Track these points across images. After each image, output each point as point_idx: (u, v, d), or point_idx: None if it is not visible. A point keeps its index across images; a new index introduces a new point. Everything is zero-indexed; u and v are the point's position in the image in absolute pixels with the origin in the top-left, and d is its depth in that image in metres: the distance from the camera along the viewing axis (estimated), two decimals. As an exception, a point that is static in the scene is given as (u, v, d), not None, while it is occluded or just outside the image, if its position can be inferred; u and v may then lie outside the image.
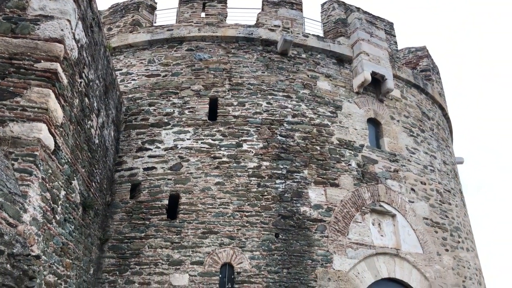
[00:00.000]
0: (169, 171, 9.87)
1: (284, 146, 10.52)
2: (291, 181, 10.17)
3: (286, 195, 9.95)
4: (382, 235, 10.73)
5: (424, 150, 12.92)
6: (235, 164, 10.03)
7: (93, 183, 8.18)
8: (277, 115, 10.85)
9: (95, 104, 8.07)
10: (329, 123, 11.30)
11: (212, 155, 10.06)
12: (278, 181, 10.06)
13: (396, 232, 10.96)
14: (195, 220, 9.32)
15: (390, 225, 11.00)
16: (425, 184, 12.23)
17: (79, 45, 6.70)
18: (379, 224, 10.85)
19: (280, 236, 9.49)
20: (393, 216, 11.10)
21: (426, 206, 11.88)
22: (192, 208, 9.45)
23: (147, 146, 10.22)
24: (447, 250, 11.68)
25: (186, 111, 10.61)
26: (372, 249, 10.28)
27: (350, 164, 10.97)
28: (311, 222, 9.86)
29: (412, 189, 11.80)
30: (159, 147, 10.17)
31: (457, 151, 15.78)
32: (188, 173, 9.83)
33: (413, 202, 11.62)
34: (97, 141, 8.33)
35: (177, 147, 10.14)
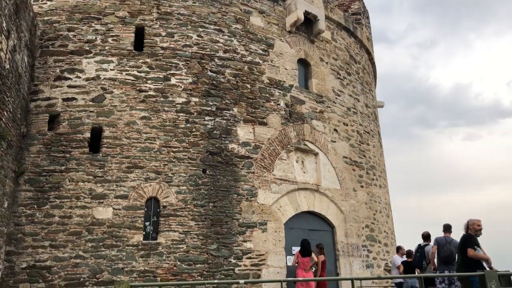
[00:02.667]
0: (91, 103, 9.33)
1: (214, 82, 10.33)
2: (220, 118, 10.13)
3: (215, 132, 9.94)
4: (304, 172, 11.28)
5: (349, 93, 13.44)
6: (162, 99, 9.71)
7: (5, 112, 7.51)
8: (207, 50, 10.52)
9: (4, 25, 7.21)
10: (261, 61, 11.22)
11: (137, 88, 9.63)
12: (207, 118, 9.97)
13: (317, 169, 11.57)
14: (120, 154, 9.05)
15: (312, 163, 11.57)
16: (347, 125, 12.86)
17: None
18: (302, 162, 11.35)
19: (208, 171, 9.59)
20: (316, 154, 11.65)
21: (346, 146, 12.59)
22: (116, 142, 9.13)
23: (66, 75, 9.48)
24: (362, 186, 12.64)
25: (110, 39, 9.89)
26: (294, 184, 10.81)
27: (279, 104, 11.14)
28: (238, 159, 10.03)
29: (335, 130, 12.37)
30: (79, 77, 9.49)
31: (378, 95, 16.63)
32: (111, 105, 9.37)
33: (335, 141, 12.23)
34: (7, 66, 7.56)
35: (100, 78, 9.53)
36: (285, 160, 10.87)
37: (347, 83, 13.52)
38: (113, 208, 8.68)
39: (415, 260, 9.39)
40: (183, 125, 9.68)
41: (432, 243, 8.72)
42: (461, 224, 7.33)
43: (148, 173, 9.10)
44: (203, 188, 9.42)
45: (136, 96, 9.55)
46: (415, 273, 9.44)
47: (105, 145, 9.06)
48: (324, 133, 11.99)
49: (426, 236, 9.26)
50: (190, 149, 9.56)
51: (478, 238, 7.11)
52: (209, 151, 9.72)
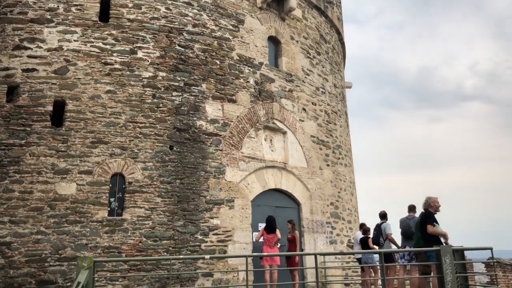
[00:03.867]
0: (53, 74, 8.96)
1: (182, 57, 10.12)
2: (188, 94, 9.98)
3: (182, 108, 9.80)
4: (272, 150, 11.36)
5: (318, 73, 13.51)
6: (128, 72, 9.45)
7: (-42, 82, 7.11)
8: (176, 23, 10.25)
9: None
10: (231, 37, 11.06)
11: (103, 61, 9.31)
12: (174, 93, 9.80)
13: (285, 148, 11.67)
14: (84, 129, 8.80)
15: (280, 141, 11.65)
16: (315, 104, 12.97)
17: None
18: (270, 140, 11.41)
19: (175, 148, 9.49)
20: (284, 133, 11.73)
21: (314, 125, 12.73)
22: (80, 116, 8.86)
23: (26, 44, 9.04)
24: (328, 165, 12.87)
25: (73, 9, 9.45)
26: (262, 162, 10.88)
27: (248, 81, 11.07)
28: (206, 136, 9.96)
29: (304, 109, 12.46)
30: (40, 47, 9.07)
31: (347, 76, 16.81)
32: (75, 78, 9.04)
33: (303, 121, 12.33)
34: (-40, 33, 7.11)
35: (63, 49, 9.14)
36: (254, 138, 10.89)
37: (317, 62, 13.56)
38: (77, 184, 8.49)
39: (374, 237, 9.75)
40: (150, 100, 9.48)
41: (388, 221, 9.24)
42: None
43: (113, 149, 8.91)
44: (170, 164, 9.33)
45: (101, 69, 9.25)
46: (369, 249, 9.81)
47: (68, 119, 8.78)
48: (293, 112, 12.05)
49: (382, 215, 9.66)
50: (157, 125, 9.40)
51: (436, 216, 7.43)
52: (176, 128, 9.59)
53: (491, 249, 7.53)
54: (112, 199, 8.78)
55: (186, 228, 9.15)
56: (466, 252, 8.06)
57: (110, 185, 8.80)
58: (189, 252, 9.02)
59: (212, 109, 10.20)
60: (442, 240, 7.12)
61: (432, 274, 7.06)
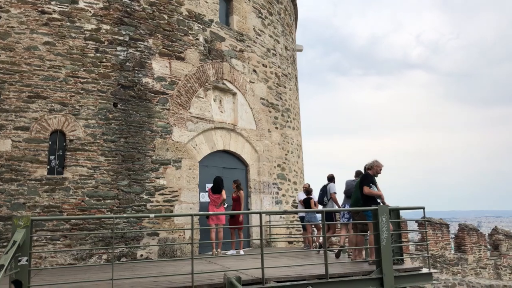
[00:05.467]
0: (-18, 21, 8.20)
1: (128, 10, 9.59)
2: (134, 49, 9.55)
3: (127, 64, 9.38)
4: (222, 111, 11.27)
5: (270, 34, 13.36)
6: (69, 23, 8.84)
7: None
8: (121, -27, 9.62)
9: None
10: (180, -8, 10.58)
11: (39, 9, 8.62)
12: (119, 48, 9.34)
13: (235, 109, 11.61)
14: (19, 82, 8.22)
15: (230, 103, 11.56)
16: (266, 66, 12.90)
17: None
18: (220, 101, 11.29)
19: (119, 106, 9.15)
20: (234, 94, 11.63)
21: (264, 88, 12.71)
22: (14, 69, 8.24)
23: (-51, -15, 8.15)
24: (276, 128, 13.01)
25: (5, -51, 8.58)
26: (211, 123, 10.78)
27: (197, 39, 10.75)
28: (153, 94, 9.67)
29: (254, 70, 12.36)
30: (-33, -10, 8.22)
31: (298, 39, 16.78)
32: (8, 26, 8.33)
33: (253, 82, 12.26)
34: None
35: (-7, -7, 8.35)
36: (203, 98, 10.71)
37: (268, 23, 13.38)
38: (12, 140, 8.01)
39: (319, 197, 10.12)
40: (92, 55, 8.98)
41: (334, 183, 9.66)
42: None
43: (53, 104, 8.44)
44: (114, 123, 9.01)
45: (37, 18, 8.58)
46: (310, 208, 10.21)
47: (1, 71, 8.15)
48: (243, 73, 11.93)
49: (330, 178, 10.00)
50: (100, 81, 8.97)
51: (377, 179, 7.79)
52: (121, 84, 9.21)
53: (423, 208, 8.07)
54: (52, 157, 8.40)
55: (131, 188, 8.99)
56: (401, 212, 8.59)
57: (50, 143, 8.39)
58: (134, 212, 8.92)
59: (159, 66, 9.86)
60: (379, 200, 7.51)
61: (369, 232, 7.47)
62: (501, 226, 22.56)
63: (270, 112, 12.80)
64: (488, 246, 18.84)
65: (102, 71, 9.02)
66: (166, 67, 9.99)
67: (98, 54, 9.04)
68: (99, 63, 9.01)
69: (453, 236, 18.24)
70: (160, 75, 9.83)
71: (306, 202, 10.42)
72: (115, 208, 8.71)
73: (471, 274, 17.30)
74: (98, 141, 8.76)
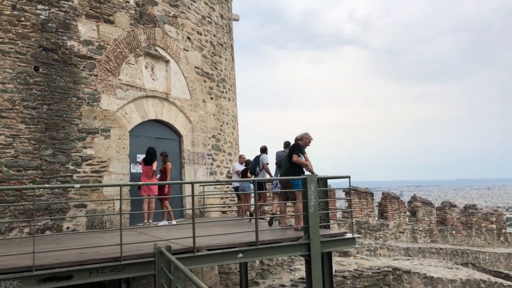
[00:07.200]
0: None
1: (49, -35, 8.79)
2: (57, 9, 8.84)
3: (50, 24, 8.68)
4: (154, 79, 10.89)
5: (205, 0, 12.99)
6: (-21, -25, 7.95)
7: None
8: None
9: None
10: (108, -51, 9.87)
11: None
12: (40, 6, 8.59)
13: (168, 78, 11.28)
14: None
15: (162, 70, 11.20)
16: (201, 34, 12.59)
17: None
18: (152, 68, 10.89)
19: (41, 70, 8.50)
20: (167, 61, 11.27)
21: (199, 56, 12.44)
22: None
23: None
24: (212, 98, 12.87)
25: None
26: (142, 91, 10.40)
27: (128, 1, 10.17)
28: (79, 59, 9.08)
29: (188, 38, 12.02)
30: None
31: (234, 9, 16.49)
32: None
33: (187, 50, 11.94)
34: None
35: None
36: (133, 64, 10.26)
37: (204, -11, 12.97)
38: None
39: (251, 168, 10.27)
40: (9, 12, 8.19)
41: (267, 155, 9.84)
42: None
43: (-38, 66, 7.64)
44: (35, 88, 8.38)
45: None
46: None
47: None
48: (177, 40, 11.55)
49: (263, 149, 10.17)
50: (18, 42, 8.24)
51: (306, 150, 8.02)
52: (42, 47, 8.53)
53: (349, 177, 8.48)
54: (-38, 124, 7.67)
55: (55, 158, 8.51)
56: (329, 181, 8.97)
57: (-41, 108, 7.64)
58: (60, 183, 8.48)
59: (85, 29, 9.24)
60: (305, 169, 7.77)
61: (297, 200, 7.73)
62: (419, 194, 24.46)
63: (205, 81, 12.59)
64: (407, 212, 20.42)
65: (20, 31, 8.28)
66: (94, 30, 9.39)
67: (15, 12, 8.25)
68: (17, 22, 8.25)
69: (377, 204, 19.51)
70: (87, 38, 9.24)
71: (244, 173, 10.54)
72: (38, 179, 8.22)
73: (391, 239, 18.73)
74: (17, 107, 8.12)
